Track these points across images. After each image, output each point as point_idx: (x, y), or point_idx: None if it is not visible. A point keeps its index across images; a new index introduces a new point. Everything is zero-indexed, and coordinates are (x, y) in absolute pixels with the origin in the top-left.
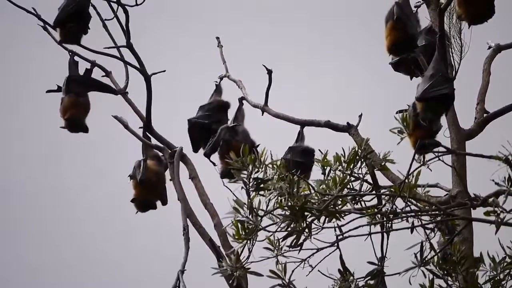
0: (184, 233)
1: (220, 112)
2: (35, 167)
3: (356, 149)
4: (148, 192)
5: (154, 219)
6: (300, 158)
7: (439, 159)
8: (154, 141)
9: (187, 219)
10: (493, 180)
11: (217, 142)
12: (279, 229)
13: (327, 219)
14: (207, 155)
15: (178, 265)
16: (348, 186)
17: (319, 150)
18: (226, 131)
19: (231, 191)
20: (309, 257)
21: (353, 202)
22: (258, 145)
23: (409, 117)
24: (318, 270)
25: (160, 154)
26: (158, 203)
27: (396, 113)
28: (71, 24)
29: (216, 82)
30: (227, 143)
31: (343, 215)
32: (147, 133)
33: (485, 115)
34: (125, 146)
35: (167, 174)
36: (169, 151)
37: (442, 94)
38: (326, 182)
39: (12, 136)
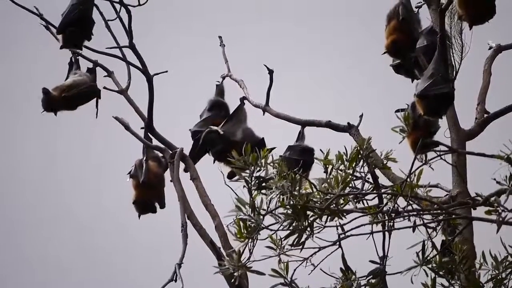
0: (182, 229)
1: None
2: (35, 168)
3: (358, 147)
4: (148, 194)
5: (155, 219)
6: (299, 156)
7: (441, 158)
8: (155, 141)
9: (188, 220)
10: (494, 179)
11: (202, 146)
12: (281, 228)
13: (329, 217)
14: (194, 159)
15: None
16: (350, 185)
17: (320, 150)
18: (211, 134)
19: (233, 190)
20: (311, 256)
21: (355, 201)
22: (263, 139)
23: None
24: (320, 269)
25: (161, 155)
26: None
27: (395, 112)
28: (72, 28)
29: (218, 82)
30: (228, 144)
31: (345, 214)
32: (149, 134)
33: (485, 115)
34: (126, 147)
35: (167, 175)
36: (170, 152)
37: (442, 92)
38: (328, 180)
39: (13, 136)
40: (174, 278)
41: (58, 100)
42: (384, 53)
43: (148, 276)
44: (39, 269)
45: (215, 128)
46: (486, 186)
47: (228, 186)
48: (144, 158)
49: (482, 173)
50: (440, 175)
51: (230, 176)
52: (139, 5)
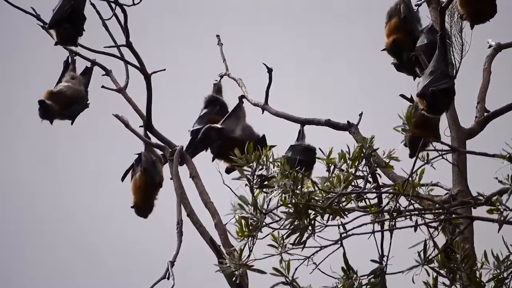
0: (178, 227)
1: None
2: (34, 167)
3: (361, 146)
4: (151, 196)
5: (153, 219)
6: (301, 156)
7: (443, 157)
8: (154, 139)
9: (188, 218)
10: (496, 178)
11: (201, 142)
12: (282, 227)
13: (330, 216)
14: (190, 154)
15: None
16: (352, 184)
17: (320, 149)
18: (210, 131)
19: (232, 190)
20: (312, 254)
21: (357, 200)
22: (264, 136)
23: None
24: (321, 269)
25: (160, 153)
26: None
27: (399, 95)
28: (67, 26)
29: (216, 80)
30: (227, 141)
31: (347, 213)
32: (148, 132)
33: (485, 114)
34: (126, 145)
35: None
36: (170, 150)
37: (443, 88)
38: (330, 179)
39: (11, 136)
40: (167, 276)
41: (57, 113)
42: (383, 50)
43: (142, 273)
44: (39, 269)
45: (215, 125)
46: (486, 185)
47: (228, 186)
48: (155, 158)
49: (481, 172)
50: (440, 174)
51: (228, 170)
52: (134, 4)
